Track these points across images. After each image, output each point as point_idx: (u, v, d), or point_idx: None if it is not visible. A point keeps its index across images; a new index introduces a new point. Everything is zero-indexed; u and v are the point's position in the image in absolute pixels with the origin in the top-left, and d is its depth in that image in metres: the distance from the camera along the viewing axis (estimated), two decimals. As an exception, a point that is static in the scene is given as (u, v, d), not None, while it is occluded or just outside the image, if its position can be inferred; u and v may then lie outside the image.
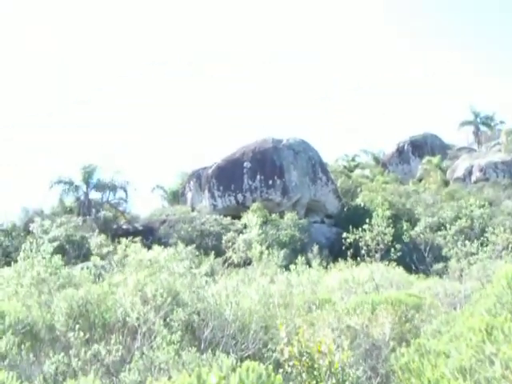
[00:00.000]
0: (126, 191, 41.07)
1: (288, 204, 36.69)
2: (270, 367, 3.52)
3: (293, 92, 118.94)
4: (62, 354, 6.58)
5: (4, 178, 67.23)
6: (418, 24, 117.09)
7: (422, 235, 20.11)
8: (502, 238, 14.67)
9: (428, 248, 14.65)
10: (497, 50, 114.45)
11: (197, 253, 24.03)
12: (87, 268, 12.97)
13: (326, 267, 18.30)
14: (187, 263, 10.87)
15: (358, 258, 14.38)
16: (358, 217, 27.08)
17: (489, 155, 47.40)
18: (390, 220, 15.29)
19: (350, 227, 14.25)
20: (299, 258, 15.26)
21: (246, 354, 7.46)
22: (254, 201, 35.60)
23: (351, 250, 14.84)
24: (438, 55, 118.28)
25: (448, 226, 22.55)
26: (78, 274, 10.37)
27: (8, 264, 13.16)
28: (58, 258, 9.72)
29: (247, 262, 16.94)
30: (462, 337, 4.52)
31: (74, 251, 28.40)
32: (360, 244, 13.94)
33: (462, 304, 10.08)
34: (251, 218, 28.68)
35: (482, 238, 15.07)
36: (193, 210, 39.12)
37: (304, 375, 5.55)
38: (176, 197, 47.05)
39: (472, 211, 24.95)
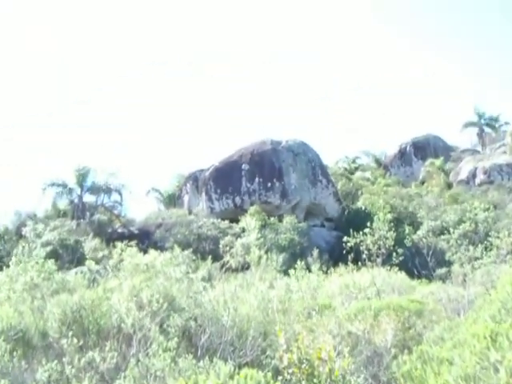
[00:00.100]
0: (121, 194, 41.07)
1: (287, 207, 36.69)
2: (269, 375, 3.53)
3: (293, 92, 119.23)
4: (56, 361, 6.58)
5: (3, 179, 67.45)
6: (418, 24, 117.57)
7: (424, 239, 20.07)
8: (506, 243, 14.68)
9: (431, 252, 14.61)
10: (499, 50, 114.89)
11: (194, 257, 23.93)
12: (81, 273, 12.98)
13: (326, 272, 18.25)
14: (184, 268, 10.87)
15: (359, 263, 14.37)
16: (358, 220, 27.14)
17: (493, 157, 47.45)
18: (392, 224, 15.28)
19: (351, 231, 14.25)
20: (298, 262, 15.22)
21: (244, 361, 7.45)
22: (252, 204, 35.56)
23: (352, 255, 14.83)
24: (439, 55, 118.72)
25: (451, 229, 22.60)
26: (72, 279, 10.37)
27: (0, 269, 13.14)
28: (51, 263, 9.73)
29: (245, 267, 16.92)
30: (466, 344, 4.52)
31: (67, 256, 28.35)
32: (361, 248, 13.93)
33: (466, 310, 10.08)
34: (249, 221, 28.65)
35: (486, 242, 15.08)
36: (190, 213, 39.09)
37: (304, 383, 5.55)
38: (172, 200, 47.03)
39: (476, 215, 25.03)
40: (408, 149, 55.97)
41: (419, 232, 30.21)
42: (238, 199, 37.27)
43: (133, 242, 25.29)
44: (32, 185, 77.70)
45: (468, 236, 23.70)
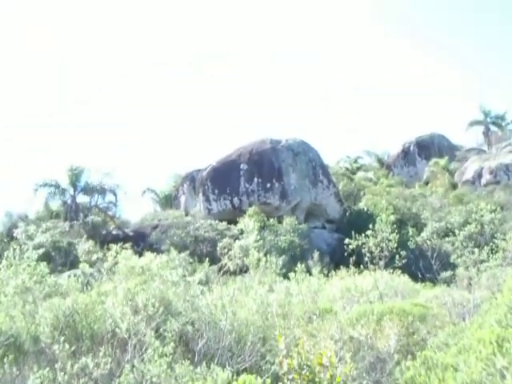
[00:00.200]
0: (115, 195, 41.00)
1: (287, 208, 36.68)
2: (268, 381, 3.53)
3: (293, 92, 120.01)
4: (48, 367, 6.56)
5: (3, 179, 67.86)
6: (418, 24, 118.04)
7: (428, 241, 20.06)
8: (513, 245, 14.71)
9: (435, 255, 14.62)
10: (499, 50, 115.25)
11: (191, 260, 24.04)
12: (75, 276, 12.95)
13: (327, 275, 18.27)
14: (181, 271, 10.86)
15: (361, 266, 14.39)
16: (360, 222, 27.16)
17: (500, 157, 47.41)
18: (395, 225, 15.34)
19: (353, 233, 14.28)
20: (299, 265, 15.24)
21: (243, 367, 7.45)
22: (250, 205, 35.53)
23: (354, 257, 14.85)
24: (439, 55, 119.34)
25: (456, 231, 22.62)
26: (65, 283, 10.36)
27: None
28: (43, 266, 9.72)
29: (244, 270, 16.93)
30: (472, 349, 4.52)
31: (60, 258, 28.36)
32: (363, 250, 13.96)
33: (471, 314, 10.09)
34: (248, 222, 28.70)
35: (491, 245, 15.10)
36: (186, 214, 39.08)
37: (304, 389, 5.55)
38: (169, 200, 47.03)
39: (482, 216, 25.05)
40: (412, 148, 55.89)
41: (423, 234, 30.25)
42: (236, 200, 37.26)
43: (128, 244, 25.39)
44: (25, 185, 78.15)
45: (473, 238, 23.77)
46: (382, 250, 13.80)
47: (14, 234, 31.47)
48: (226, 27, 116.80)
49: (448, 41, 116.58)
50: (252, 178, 37.18)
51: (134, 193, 53.77)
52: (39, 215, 40.91)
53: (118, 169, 64.78)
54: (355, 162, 61.96)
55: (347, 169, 58.19)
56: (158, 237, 33.63)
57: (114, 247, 16.97)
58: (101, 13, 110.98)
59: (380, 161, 61.22)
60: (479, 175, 45.57)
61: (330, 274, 18.38)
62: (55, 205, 41.68)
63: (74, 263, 26.27)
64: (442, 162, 50.76)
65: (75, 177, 39.30)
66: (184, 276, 10.82)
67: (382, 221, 14.84)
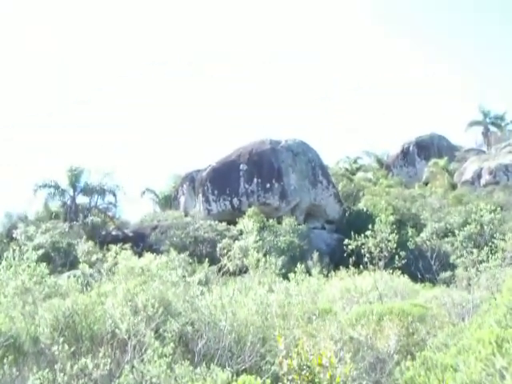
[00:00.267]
0: (115, 195, 40.94)
1: (286, 209, 36.67)
2: (268, 381, 3.53)
3: (293, 92, 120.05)
4: (47, 368, 6.56)
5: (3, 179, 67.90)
6: (418, 24, 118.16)
7: (428, 242, 20.10)
8: (512, 245, 14.70)
9: (434, 255, 14.64)
10: (499, 50, 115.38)
11: (190, 260, 24.04)
12: (74, 276, 12.94)
13: (327, 275, 18.31)
14: (180, 271, 10.87)
15: (361, 266, 14.40)
16: (360, 222, 27.14)
17: (499, 157, 47.41)
18: (394, 226, 15.35)
19: (352, 233, 14.27)
20: (298, 265, 15.26)
21: (243, 368, 7.46)
22: (250, 205, 35.51)
23: (353, 258, 14.86)
24: (439, 55, 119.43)
25: (456, 231, 22.61)
26: (65, 283, 10.35)
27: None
28: (43, 267, 9.71)
29: (243, 270, 16.96)
30: (471, 349, 4.53)
31: (60, 259, 28.34)
32: (362, 251, 13.96)
33: (471, 315, 10.09)
34: (247, 223, 28.74)
35: (491, 245, 15.09)
36: (186, 215, 39.07)
37: (304, 390, 5.55)
38: (168, 201, 47.02)
39: (481, 216, 25.02)
40: (411, 148, 55.86)
41: (422, 234, 30.26)
42: (235, 200, 37.25)
43: (127, 245, 25.42)
44: (24, 185, 78.29)
45: (473, 238, 23.75)
46: (381, 251, 13.80)
47: (14, 235, 31.46)
48: (226, 27, 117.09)
49: (448, 41, 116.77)
50: (251, 178, 37.17)
51: (133, 193, 53.74)
52: (39, 216, 40.87)
53: (117, 169, 64.72)
54: (355, 162, 61.91)
55: (347, 169, 58.16)
56: (158, 237, 33.61)
57: (114, 248, 17.00)
58: (101, 13, 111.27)
59: (379, 161, 61.18)
60: (478, 176, 45.57)
61: (329, 275, 18.42)
62: (55, 205, 41.66)
63: (73, 264, 26.25)
64: (442, 162, 50.75)
65: (75, 177, 39.28)
66: (184, 276, 10.82)
67: (381, 221, 14.85)
